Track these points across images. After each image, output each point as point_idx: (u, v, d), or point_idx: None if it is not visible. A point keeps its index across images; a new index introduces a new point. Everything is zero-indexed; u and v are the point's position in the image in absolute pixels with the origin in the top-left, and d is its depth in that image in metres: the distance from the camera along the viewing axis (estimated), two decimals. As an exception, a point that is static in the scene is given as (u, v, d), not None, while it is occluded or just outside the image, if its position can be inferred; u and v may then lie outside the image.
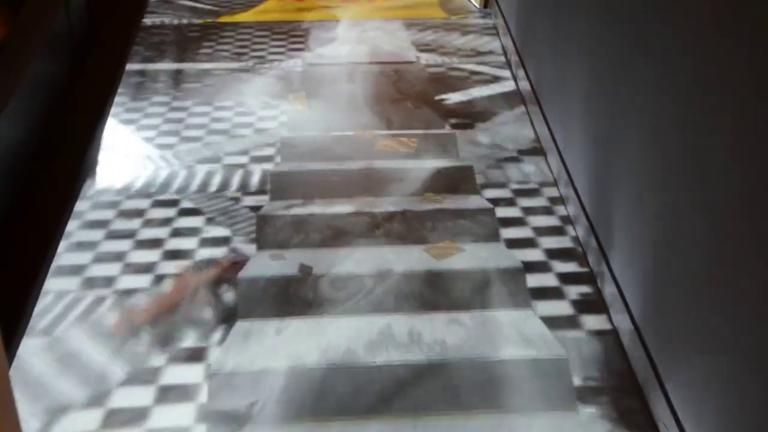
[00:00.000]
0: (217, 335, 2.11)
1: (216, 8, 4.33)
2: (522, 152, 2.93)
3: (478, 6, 4.33)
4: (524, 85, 3.27)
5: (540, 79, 3.06)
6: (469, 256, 2.41)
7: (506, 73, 3.53)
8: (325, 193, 2.72)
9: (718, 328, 1.51)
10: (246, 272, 2.34)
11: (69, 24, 3.36)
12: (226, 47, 3.83)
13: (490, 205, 2.63)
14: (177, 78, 3.51)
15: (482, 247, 2.46)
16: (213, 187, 2.74)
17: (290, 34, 4.00)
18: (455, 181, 2.77)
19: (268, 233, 2.52)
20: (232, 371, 2.00)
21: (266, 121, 3.15)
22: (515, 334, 2.11)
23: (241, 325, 2.15)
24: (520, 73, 3.34)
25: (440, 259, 2.40)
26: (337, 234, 2.51)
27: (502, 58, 3.68)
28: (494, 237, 2.49)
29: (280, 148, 2.96)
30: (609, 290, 2.15)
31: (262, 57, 3.73)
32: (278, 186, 2.75)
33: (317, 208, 2.63)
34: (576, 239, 2.45)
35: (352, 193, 2.73)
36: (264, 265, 2.37)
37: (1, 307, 2.15)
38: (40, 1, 3.13)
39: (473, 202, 2.65)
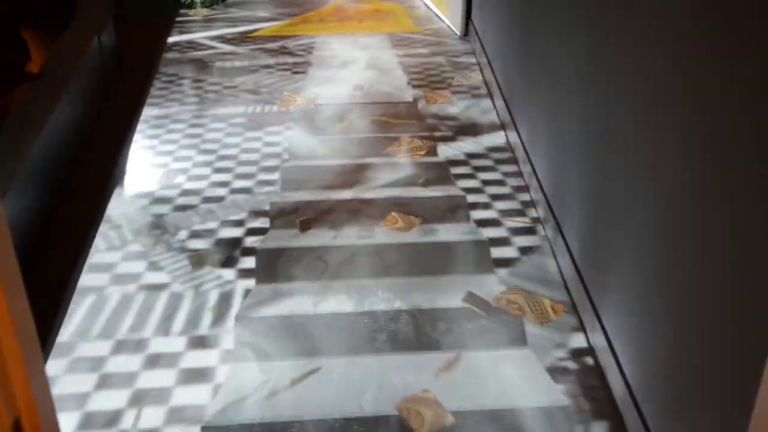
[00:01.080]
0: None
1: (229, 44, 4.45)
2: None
3: (458, 34, 4.41)
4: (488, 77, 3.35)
5: (500, 66, 3.14)
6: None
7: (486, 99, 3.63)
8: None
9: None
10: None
11: (101, 52, 3.42)
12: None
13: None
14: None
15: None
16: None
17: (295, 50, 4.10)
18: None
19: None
20: None
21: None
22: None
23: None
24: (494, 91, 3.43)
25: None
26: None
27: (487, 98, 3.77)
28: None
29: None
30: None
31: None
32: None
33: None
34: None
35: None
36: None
37: (38, 305, 2.20)
38: (76, 31, 3.19)
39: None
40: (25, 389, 0.74)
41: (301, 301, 2.23)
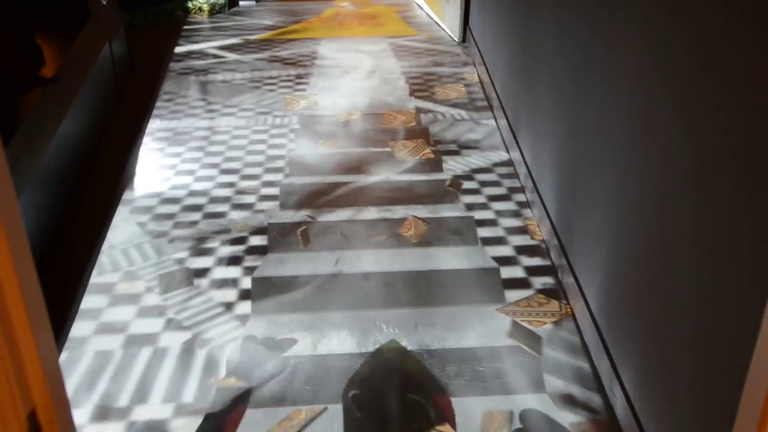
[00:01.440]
0: None
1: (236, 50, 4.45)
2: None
3: (456, 40, 4.41)
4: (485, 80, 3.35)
5: (498, 80, 3.14)
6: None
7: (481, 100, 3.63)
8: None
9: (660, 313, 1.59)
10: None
11: (112, 57, 3.43)
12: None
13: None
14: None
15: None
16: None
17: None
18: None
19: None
20: None
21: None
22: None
23: None
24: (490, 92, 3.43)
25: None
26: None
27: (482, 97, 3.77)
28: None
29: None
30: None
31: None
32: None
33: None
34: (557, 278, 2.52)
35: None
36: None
37: (52, 296, 2.21)
38: (88, 38, 3.20)
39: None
40: (40, 382, 0.75)
41: (300, 339, 2.02)
